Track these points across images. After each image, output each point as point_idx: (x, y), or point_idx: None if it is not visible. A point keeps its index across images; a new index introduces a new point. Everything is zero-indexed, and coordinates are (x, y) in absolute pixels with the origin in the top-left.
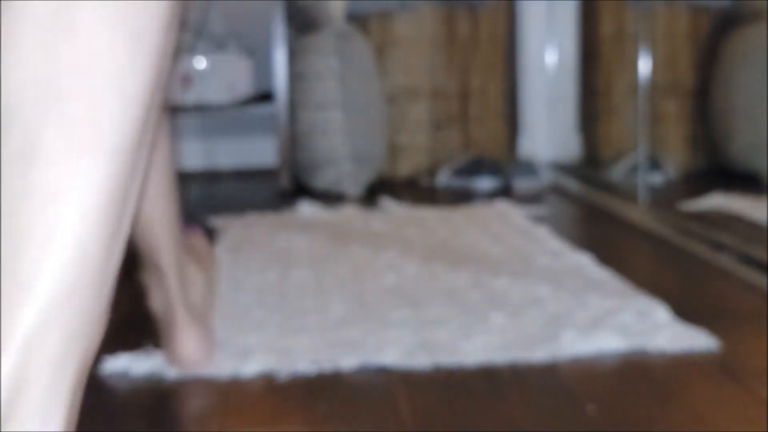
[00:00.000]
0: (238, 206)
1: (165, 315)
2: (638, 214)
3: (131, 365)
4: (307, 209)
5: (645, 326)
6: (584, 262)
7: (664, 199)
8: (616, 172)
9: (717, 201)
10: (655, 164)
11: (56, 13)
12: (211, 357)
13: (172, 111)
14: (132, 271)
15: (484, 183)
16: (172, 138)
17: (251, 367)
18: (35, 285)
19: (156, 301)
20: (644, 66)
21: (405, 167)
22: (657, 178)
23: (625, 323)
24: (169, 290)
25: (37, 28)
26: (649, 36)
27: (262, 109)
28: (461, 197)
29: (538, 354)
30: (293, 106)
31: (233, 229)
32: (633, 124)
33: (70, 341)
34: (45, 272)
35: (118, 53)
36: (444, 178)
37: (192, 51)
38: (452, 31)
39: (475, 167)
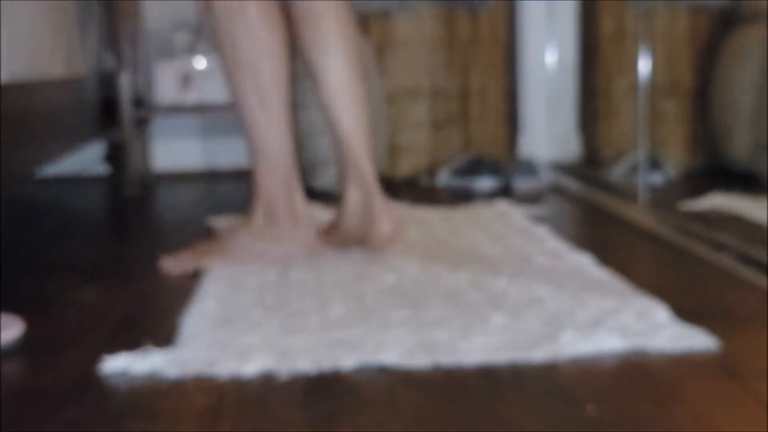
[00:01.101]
0: (238, 206)
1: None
2: (638, 214)
3: (131, 365)
4: None
5: (645, 326)
6: (584, 262)
7: (664, 199)
8: (616, 172)
9: (717, 201)
10: (655, 164)
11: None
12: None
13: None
14: (131, 273)
15: (484, 183)
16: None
17: (251, 367)
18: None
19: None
20: (644, 66)
21: (405, 167)
22: (657, 178)
23: (625, 323)
24: (368, 182)
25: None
26: (649, 36)
27: None
28: (461, 197)
29: (538, 354)
30: (293, 106)
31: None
32: (633, 124)
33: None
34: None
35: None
36: (444, 178)
37: (192, 51)
38: (452, 31)
39: (475, 167)
